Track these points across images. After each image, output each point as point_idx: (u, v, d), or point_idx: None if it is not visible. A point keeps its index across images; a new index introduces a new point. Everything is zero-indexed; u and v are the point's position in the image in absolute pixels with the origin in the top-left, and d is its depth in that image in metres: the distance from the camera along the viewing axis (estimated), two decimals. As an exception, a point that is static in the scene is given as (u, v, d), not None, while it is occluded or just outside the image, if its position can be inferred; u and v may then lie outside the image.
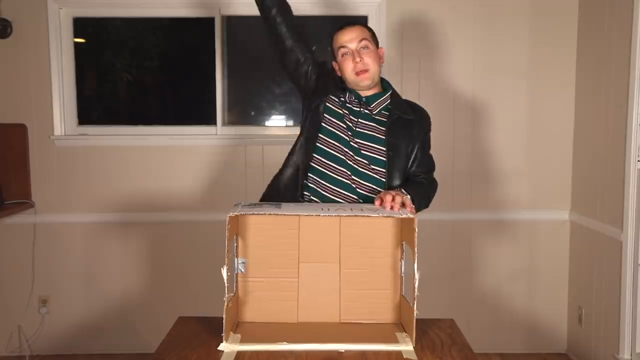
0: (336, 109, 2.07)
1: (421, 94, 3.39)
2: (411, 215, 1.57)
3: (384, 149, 2.02)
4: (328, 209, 1.62)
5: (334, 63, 2.13)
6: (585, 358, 3.28)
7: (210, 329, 1.66)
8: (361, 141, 2.03)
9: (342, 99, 2.08)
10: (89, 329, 3.50)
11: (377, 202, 1.75)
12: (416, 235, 1.52)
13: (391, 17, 3.35)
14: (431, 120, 2.20)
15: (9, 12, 3.32)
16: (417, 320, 1.55)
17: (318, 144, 2.05)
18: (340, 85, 2.11)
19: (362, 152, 2.03)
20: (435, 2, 3.35)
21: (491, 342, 3.50)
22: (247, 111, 3.67)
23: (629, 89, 2.81)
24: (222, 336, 1.54)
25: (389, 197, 1.71)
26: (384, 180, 2.02)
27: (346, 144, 2.03)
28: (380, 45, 2.13)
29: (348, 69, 2.03)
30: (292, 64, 2.14)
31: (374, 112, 2.07)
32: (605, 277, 3.07)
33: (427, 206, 2.05)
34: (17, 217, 3.38)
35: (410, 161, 2.08)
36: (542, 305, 3.52)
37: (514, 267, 3.50)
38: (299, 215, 1.68)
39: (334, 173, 2.02)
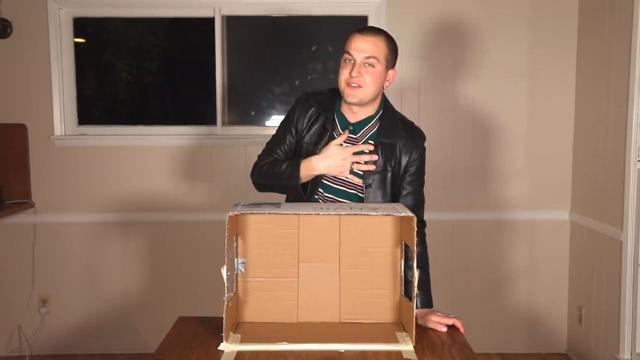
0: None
1: (421, 94, 3.39)
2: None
3: (360, 184, 1.90)
4: (327, 208, 1.62)
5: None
6: (585, 358, 3.28)
7: (210, 329, 1.66)
8: (335, 178, 1.92)
9: (326, 127, 1.93)
10: (89, 329, 3.50)
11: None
12: (415, 234, 1.52)
13: (391, 17, 3.35)
14: (426, 139, 2.02)
15: (9, 12, 3.32)
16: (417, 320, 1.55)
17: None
18: (327, 106, 1.96)
19: (339, 188, 1.92)
20: (435, 3, 3.35)
21: (491, 342, 3.50)
22: (247, 111, 3.67)
23: (629, 89, 2.81)
24: (222, 336, 1.54)
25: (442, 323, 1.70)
26: None
27: (326, 188, 1.93)
28: (394, 68, 1.95)
29: (343, 76, 1.86)
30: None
31: (360, 142, 1.91)
32: (605, 277, 3.07)
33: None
34: (17, 217, 3.37)
35: (397, 194, 1.94)
36: (542, 305, 3.52)
37: (514, 267, 3.50)
38: (299, 214, 1.68)
39: None
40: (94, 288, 3.50)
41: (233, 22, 3.52)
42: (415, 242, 1.53)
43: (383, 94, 1.97)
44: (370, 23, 3.42)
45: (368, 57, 1.85)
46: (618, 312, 2.93)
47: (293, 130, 1.98)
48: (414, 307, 1.55)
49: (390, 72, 1.93)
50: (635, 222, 2.84)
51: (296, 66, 3.65)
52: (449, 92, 3.40)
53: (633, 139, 2.80)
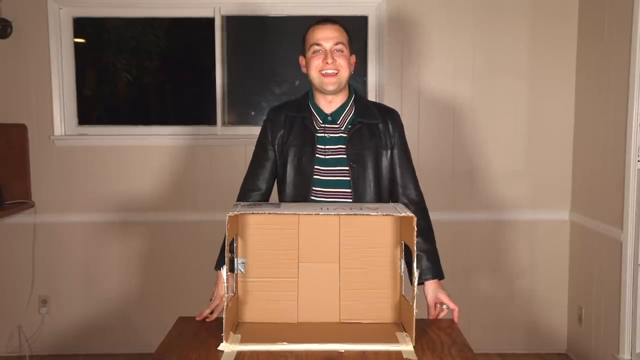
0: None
1: (421, 94, 3.39)
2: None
3: (347, 168, 1.92)
4: (327, 208, 1.62)
5: (300, 58, 2.01)
6: (585, 358, 3.28)
7: (210, 329, 1.66)
8: (328, 168, 1.93)
9: (305, 124, 1.94)
10: (89, 329, 3.50)
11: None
12: (415, 234, 1.52)
13: (391, 17, 3.35)
14: (400, 117, 2.03)
15: (9, 12, 3.32)
16: (417, 320, 1.55)
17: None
18: (300, 106, 1.99)
19: (329, 179, 1.93)
20: (435, 3, 3.35)
21: (491, 342, 3.50)
22: (247, 111, 3.67)
23: (629, 89, 2.81)
24: (222, 336, 1.54)
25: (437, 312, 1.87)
26: (349, 200, 1.91)
27: (317, 183, 1.94)
28: (353, 54, 1.97)
29: (316, 68, 1.90)
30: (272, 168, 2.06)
31: (342, 128, 1.94)
32: (605, 277, 3.07)
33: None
34: (17, 217, 3.37)
35: (389, 177, 1.97)
36: (542, 305, 3.52)
37: (514, 267, 3.50)
38: (299, 214, 1.68)
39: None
40: (94, 288, 3.50)
41: (233, 22, 3.52)
42: (415, 241, 1.53)
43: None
44: (370, 23, 3.42)
45: (337, 43, 1.89)
46: (618, 312, 2.93)
47: (269, 145, 2.00)
48: (414, 307, 1.55)
49: (352, 57, 1.97)
50: (635, 222, 2.84)
51: (296, 66, 3.63)
52: (449, 92, 3.40)
53: (633, 139, 2.80)
